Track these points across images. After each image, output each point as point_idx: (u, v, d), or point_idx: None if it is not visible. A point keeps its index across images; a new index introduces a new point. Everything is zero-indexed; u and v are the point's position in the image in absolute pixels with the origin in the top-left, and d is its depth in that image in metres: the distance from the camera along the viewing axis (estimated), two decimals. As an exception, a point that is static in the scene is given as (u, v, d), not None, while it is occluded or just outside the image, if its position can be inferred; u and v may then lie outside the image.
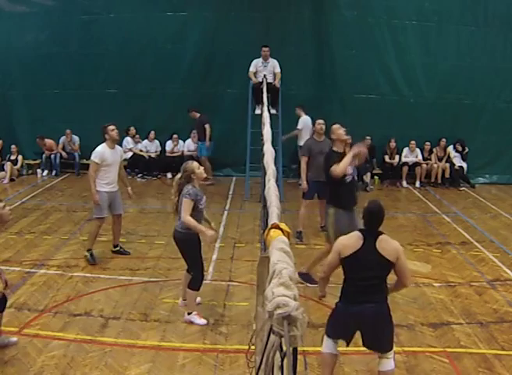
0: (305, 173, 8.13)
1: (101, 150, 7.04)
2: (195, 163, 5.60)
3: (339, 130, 6.40)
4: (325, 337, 4.27)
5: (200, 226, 5.34)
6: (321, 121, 8.24)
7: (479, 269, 7.38)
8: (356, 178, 6.42)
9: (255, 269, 3.42)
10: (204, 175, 5.75)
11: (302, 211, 8.39)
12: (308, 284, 6.46)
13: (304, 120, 11.47)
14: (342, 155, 6.21)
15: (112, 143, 7.14)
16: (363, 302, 3.99)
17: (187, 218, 5.27)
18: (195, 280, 5.51)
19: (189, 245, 5.46)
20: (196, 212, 5.37)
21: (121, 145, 12.83)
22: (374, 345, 4.20)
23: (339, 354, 4.34)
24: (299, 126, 11.52)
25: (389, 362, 4.16)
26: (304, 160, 8.18)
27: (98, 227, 7.21)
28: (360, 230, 4.15)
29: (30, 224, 8.97)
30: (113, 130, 7.10)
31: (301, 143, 11.40)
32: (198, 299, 5.83)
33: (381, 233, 4.10)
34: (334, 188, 6.29)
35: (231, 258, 7.47)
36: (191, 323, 5.55)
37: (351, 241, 4.09)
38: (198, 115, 12.02)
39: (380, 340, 4.13)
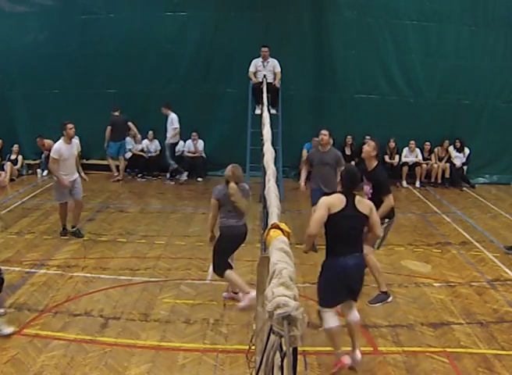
0: (302, 178, 8.12)
1: (58, 147, 8.04)
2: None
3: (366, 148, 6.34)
4: (325, 311, 4.61)
5: None
6: (323, 132, 7.80)
7: (479, 269, 7.38)
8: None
9: (255, 269, 3.42)
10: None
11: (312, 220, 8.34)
12: None
13: (175, 118, 12.17)
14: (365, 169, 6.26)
15: (69, 139, 8.11)
16: (350, 253, 4.55)
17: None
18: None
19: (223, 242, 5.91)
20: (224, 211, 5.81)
21: (124, 145, 12.92)
22: (354, 294, 4.70)
23: (340, 324, 4.70)
24: (175, 125, 12.10)
25: (356, 312, 4.80)
26: (302, 166, 8.43)
27: (63, 210, 8.37)
28: (340, 192, 4.68)
29: (30, 224, 8.97)
30: (71, 128, 8.11)
31: (172, 140, 12.31)
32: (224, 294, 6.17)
33: (355, 194, 4.71)
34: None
35: (231, 258, 7.46)
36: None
37: (337, 200, 4.58)
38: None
39: (359, 289, 4.71)
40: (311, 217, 4.83)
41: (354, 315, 4.76)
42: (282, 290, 1.73)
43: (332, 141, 8.33)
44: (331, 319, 4.59)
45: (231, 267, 5.91)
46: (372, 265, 5.97)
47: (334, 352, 4.75)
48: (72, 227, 8.44)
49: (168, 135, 12.25)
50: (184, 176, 12.35)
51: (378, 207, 5.99)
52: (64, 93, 12.71)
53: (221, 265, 5.85)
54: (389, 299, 6.20)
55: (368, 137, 11.93)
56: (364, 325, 5.63)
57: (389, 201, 6.03)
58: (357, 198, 4.67)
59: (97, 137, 12.55)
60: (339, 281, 4.55)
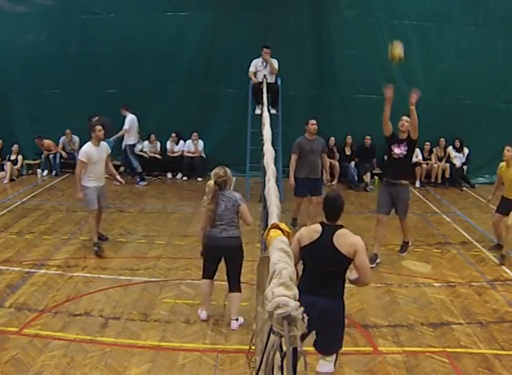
0: (293, 170, 8.51)
1: (87, 149, 7.48)
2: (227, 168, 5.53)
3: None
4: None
5: None
6: (313, 121, 8.56)
7: (479, 269, 7.38)
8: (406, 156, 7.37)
9: (255, 269, 3.42)
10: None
11: (295, 206, 8.89)
12: None
13: (130, 119, 12.02)
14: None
15: (97, 141, 7.55)
16: (316, 294, 3.83)
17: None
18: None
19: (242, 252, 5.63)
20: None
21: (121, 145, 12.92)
22: (320, 344, 4.01)
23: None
24: (125, 127, 11.98)
25: (328, 365, 4.06)
26: (293, 157, 8.53)
27: (94, 218, 7.70)
28: (320, 223, 4.04)
29: (30, 224, 8.97)
30: (100, 130, 7.53)
31: (129, 142, 12.16)
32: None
33: (341, 226, 4.00)
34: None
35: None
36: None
37: (309, 232, 4.01)
38: (128, 113, 12.10)
39: (327, 339, 4.00)
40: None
41: (320, 366, 4.07)
42: (282, 290, 1.73)
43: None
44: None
45: (211, 277, 5.64)
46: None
47: None
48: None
49: (125, 136, 12.17)
50: (143, 183, 12.14)
51: (408, 168, 7.59)
52: (64, 93, 12.70)
53: (203, 270, 5.66)
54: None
55: (368, 137, 12.03)
56: (364, 325, 5.64)
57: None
58: (339, 232, 3.93)
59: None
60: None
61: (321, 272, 3.91)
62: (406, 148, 7.33)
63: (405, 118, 7.48)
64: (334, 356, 4.08)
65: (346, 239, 3.91)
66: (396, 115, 12.75)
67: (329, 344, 4.04)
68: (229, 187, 5.53)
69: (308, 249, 3.95)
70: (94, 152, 7.48)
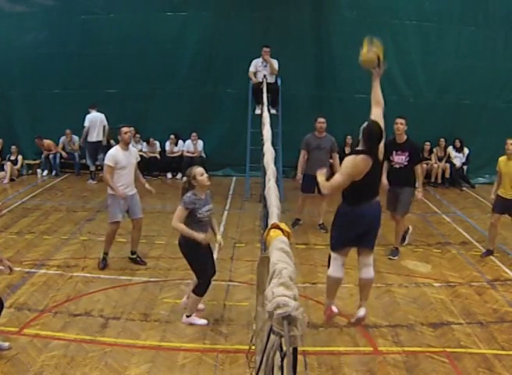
0: (301, 166, 8.65)
1: (114, 153, 6.85)
2: (198, 169, 5.34)
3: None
4: (333, 256, 5.02)
5: (190, 231, 5.14)
6: (321, 119, 8.63)
7: (479, 269, 7.38)
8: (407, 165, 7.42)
9: (255, 269, 3.42)
10: (208, 183, 5.34)
11: (299, 203, 8.92)
12: None
13: (90, 118, 12.12)
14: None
15: (125, 145, 6.93)
16: (370, 200, 4.87)
17: (175, 224, 5.18)
18: (199, 286, 5.43)
19: (188, 250, 5.31)
20: (193, 221, 5.19)
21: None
22: (370, 242, 5.06)
23: (343, 277, 5.11)
24: (85, 124, 12.10)
25: (371, 269, 5.15)
26: (302, 154, 8.67)
27: (113, 232, 7.10)
28: (362, 152, 4.97)
29: (30, 224, 8.97)
30: (126, 132, 6.91)
31: (89, 139, 12.28)
32: (201, 306, 5.75)
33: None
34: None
35: (231, 258, 7.47)
36: (191, 324, 5.54)
37: (364, 164, 4.84)
38: (93, 111, 12.16)
39: (375, 237, 5.06)
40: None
41: (368, 272, 5.10)
42: (282, 290, 1.73)
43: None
44: (334, 267, 5.04)
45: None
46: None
47: (325, 300, 5.22)
48: (133, 253, 7.30)
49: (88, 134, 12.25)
50: (93, 182, 12.20)
51: (410, 176, 7.45)
52: (64, 93, 12.71)
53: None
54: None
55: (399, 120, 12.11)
56: (364, 325, 5.63)
57: (422, 167, 7.45)
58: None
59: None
60: (359, 225, 4.87)
61: (376, 183, 5.04)
62: (407, 155, 7.29)
63: (399, 120, 7.48)
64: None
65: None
66: (396, 115, 12.78)
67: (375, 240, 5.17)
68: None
69: (368, 175, 4.85)
70: (121, 157, 6.82)
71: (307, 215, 9.37)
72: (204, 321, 5.56)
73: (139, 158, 7.38)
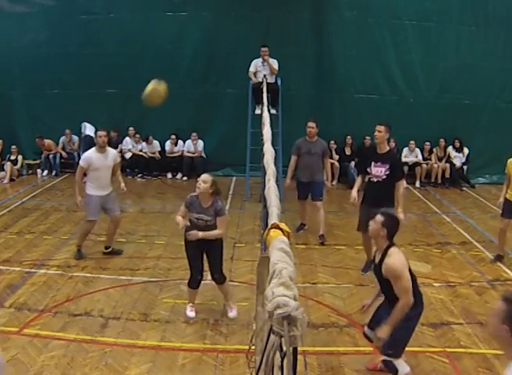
0: (291, 171, 8.40)
1: (89, 155, 7.15)
2: (202, 176, 5.49)
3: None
4: (396, 359, 4.35)
5: (177, 217, 5.49)
6: (310, 124, 8.28)
7: (479, 269, 7.38)
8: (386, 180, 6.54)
9: (255, 269, 3.42)
10: (197, 189, 5.43)
11: (299, 209, 8.80)
12: None
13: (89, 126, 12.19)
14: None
15: (100, 148, 7.16)
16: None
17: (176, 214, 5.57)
18: (189, 279, 5.74)
19: (184, 243, 5.65)
20: (189, 220, 5.49)
21: (121, 145, 12.91)
22: None
23: None
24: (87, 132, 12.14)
25: None
26: (292, 158, 8.42)
27: (87, 229, 7.47)
28: (390, 245, 4.30)
29: (30, 224, 8.97)
30: (100, 136, 7.13)
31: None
32: (191, 314, 5.80)
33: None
34: None
35: (231, 258, 7.46)
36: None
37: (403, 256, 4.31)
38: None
39: None
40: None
41: None
42: (282, 290, 1.73)
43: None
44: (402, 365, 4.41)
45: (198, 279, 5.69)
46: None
47: None
48: (107, 248, 7.57)
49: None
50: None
51: (389, 194, 6.42)
52: (64, 93, 12.71)
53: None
54: None
55: (367, 137, 11.98)
56: (364, 325, 5.62)
57: (403, 184, 6.45)
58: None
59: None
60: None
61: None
62: (387, 167, 6.48)
63: (378, 127, 6.71)
64: None
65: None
66: (396, 115, 12.82)
67: None
68: None
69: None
70: (95, 159, 7.09)
71: (308, 215, 9.35)
72: (191, 314, 5.74)
73: (118, 160, 7.66)
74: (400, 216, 6.20)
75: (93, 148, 7.23)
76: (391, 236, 4.28)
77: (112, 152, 7.43)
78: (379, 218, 4.31)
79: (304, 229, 8.80)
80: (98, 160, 7.12)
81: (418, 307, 4.28)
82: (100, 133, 7.16)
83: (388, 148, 6.71)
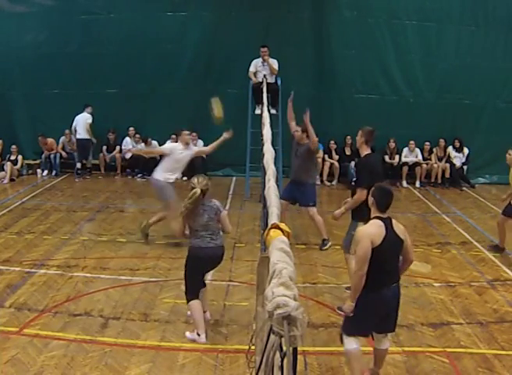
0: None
1: (176, 144, 8.17)
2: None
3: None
4: (347, 336, 4.33)
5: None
6: (296, 128, 8.35)
7: (479, 269, 7.38)
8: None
9: (255, 269, 3.42)
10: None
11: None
12: None
13: (77, 117, 12.33)
14: None
15: (185, 144, 7.98)
16: (391, 284, 4.22)
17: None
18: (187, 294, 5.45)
19: (190, 267, 5.47)
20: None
21: (121, 145, 12.92)
22: (390, 326, 4.39)
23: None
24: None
25: (388, 341, 4.54)
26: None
27: (173, 210, 7.61)
28: (377, 218, 4.22)
29: (30, 224, 8.96)
30: (186, 134, 8.01)
31: (77, 136, 12.46)
32: (188, 313, 5.62)
33: (389, 217, 4.30)
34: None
35: (231, 258, 7.46)
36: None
37: (378, 230, 4.15)
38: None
39: (395, 320, 4.38)
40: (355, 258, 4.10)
41: (385, 343, 4.50)
42: (282, 290, 1.73)
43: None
44: (349, 342, 4.30)
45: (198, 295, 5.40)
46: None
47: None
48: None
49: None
50: (79, 178, 12.42)
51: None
52: (64, 93, 12.70)
53: (188, 289, 5.34)
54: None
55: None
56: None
57: (360, 194, 5.71)
58: (394, 221, 4.28)
59: (96, 137, 12.57)
60: (378, 313, 4.25)
61: (393, 262, 4.27)
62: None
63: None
64: None
65: (399, 226, 4.31)
66: (396, 115, 12.83)
67: (396, 322, 4.42)
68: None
69: (383, 245, 4.12)
70: (179, 150, 7.85)
71: (308, 215, 9.35)
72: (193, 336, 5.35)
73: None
74: (336, 211, 6.19)
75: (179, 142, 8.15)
76: (379, 207, 4.24)
77: (193, 149, 8.38)
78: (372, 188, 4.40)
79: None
80: (181, 152, 7.90)
81: (379, 292, 4.14)
82: (185, 132, 8.03)
83: (364, 153, 6.15)
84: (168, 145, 8.49)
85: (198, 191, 5.04)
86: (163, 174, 7.78)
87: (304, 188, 7.94)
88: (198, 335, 5.21)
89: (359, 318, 4.22)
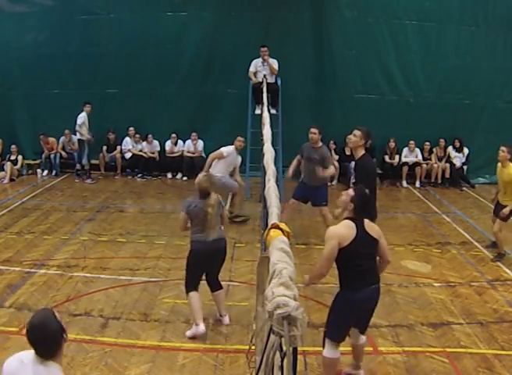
0: (292, 168, 8.39)
1: (232, 148, 8.80)
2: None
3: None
4: (328, 340, 4.31)
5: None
6: (312, 130, 7.99)
7: (479, 269, 7.38)
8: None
9: (255, 269, 3.43)
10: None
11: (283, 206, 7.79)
12: None
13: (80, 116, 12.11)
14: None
15: (237, 150, 8.81)
16: (370, 285, 4.22)
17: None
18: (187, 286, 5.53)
19: (191, 260, 5.53)
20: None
21: (121, 145, 12.92)
22: (365, 326, 4.49)
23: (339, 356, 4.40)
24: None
25: (365, 336, 4.61)
26: (296, 157, 8.42)
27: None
28: (349, 218, 4.25)
29: (30, 224, 8.96)
30: (239, 140, 8.80)
31: (79, 137, 12.19)
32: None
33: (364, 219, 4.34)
34: None
35: (231, 258, 7.45)
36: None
37: (347, 230, 4.17)
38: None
39: (368, 321, 4.47)
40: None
41: (362, 338, 4.56)
42: (282, 290, 1.73)
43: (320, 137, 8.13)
44: (329, 348, 4.30)
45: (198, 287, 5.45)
46: None
47: None
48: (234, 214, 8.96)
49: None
50: (90, 181, 12.23)
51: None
52: (64, 93, 12.69)
53: (188, 282, 5.40)
54: None
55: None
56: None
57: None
58: (366, 221, 4.29)
59: (96, 137, 12.57)
60: (356, 315, 4.29)
61: (369, 262, 4.25)
62: (354, 176, 6.17)
63: (354, 131, 6.05)
64: None
65: (373, 227, 4.33)
66: (396, 115, 12.82)
67: (368, 324, 4.53)
68: None
69: (353, 246, 4.13)
70: (233, 154, 8.70)
71: (307, 215, 9.38)
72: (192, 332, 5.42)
73: (238, 165, 9.28)
74: (337, 210, 5.85)
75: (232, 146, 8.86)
76: (357, 211, 4.24)
77: (239, 157, 9.22)
78: (351, 192, 4.37)
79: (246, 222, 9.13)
80: (233, 156, 8.85)
81: (356, 294, 4.14)
82: (240, 138, 8.82)
83: (359, 155, 6.01)
84: (225, 148, 8.86)
85: (215, 196, 5.34)
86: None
87: (316, 189, 8.03)
88: (197, 325, 5.25)
89: (339, 319, 4.30)
